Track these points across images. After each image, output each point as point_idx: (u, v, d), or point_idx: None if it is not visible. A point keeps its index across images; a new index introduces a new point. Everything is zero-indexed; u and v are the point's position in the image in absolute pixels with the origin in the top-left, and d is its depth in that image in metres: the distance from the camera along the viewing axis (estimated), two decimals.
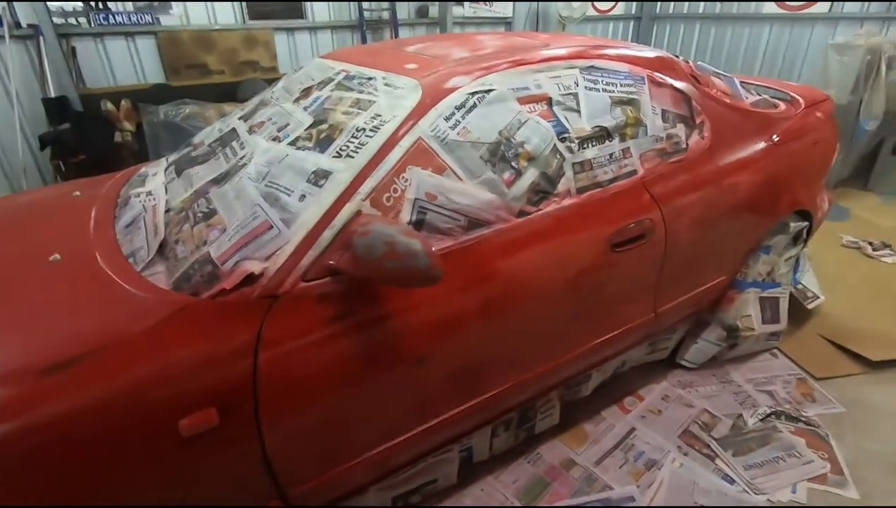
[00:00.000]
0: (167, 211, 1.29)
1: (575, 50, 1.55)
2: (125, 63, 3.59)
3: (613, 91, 1.52)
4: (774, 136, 1.85)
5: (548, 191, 1.36)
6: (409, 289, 1.12)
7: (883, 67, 3.35)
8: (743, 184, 1.75)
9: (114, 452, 0.88)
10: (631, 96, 1.55)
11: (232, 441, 0.97)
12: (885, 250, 2.89)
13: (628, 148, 1.52)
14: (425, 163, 1.21)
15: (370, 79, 1.41)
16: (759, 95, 2.10)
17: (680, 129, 1.64)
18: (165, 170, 1.56)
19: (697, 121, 1.69)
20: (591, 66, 1.52)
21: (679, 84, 1.68)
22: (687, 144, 1.65)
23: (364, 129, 1.22)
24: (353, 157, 1.17)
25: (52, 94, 3.23)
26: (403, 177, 1.18)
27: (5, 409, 0.83)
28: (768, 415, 1.80)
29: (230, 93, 3.77)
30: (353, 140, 1.21)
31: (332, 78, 1.51)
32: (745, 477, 1.58)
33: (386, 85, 1.36)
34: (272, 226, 1.08)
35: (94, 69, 3.51)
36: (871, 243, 2.95)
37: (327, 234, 1.08)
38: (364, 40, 4.42)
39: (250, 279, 1.03)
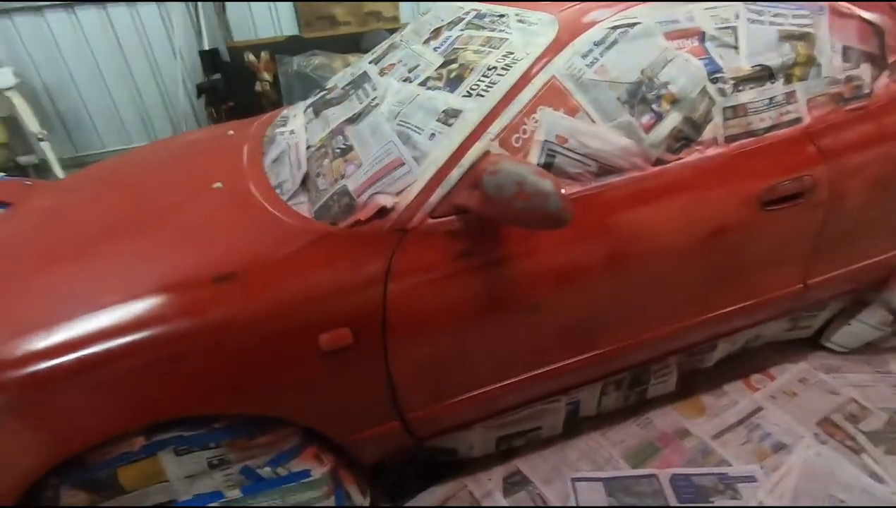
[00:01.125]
0: (308, 147, 1.39)
1: None
2: (266, 16, 3.86)
3: (782, 24, 1.31)
4: None
5: (691, 138, 1.23)
6: (533, 233, 1.10)
7: None
8: None
9: (264, 355, 1.00)
10: (804, 30, 1.32)
11: (362, 360, 1.06)
12: None
13: (794, 91, 1.31)
14: (558, 103, 1.15)
15: (502, 16, 1.36)
16: None
17: (864, 70, 1.37)
18: (304, 111, 1.67)
19: (890, 60, 1.40)
20: None
21: (871, 15, 1.39)
22: (872, 89, 1.38)
23: (496, 68, 1.19)
24: (483, 96, 1.15)
25: (207, 47, 3.60)
26: (534, 118, 1.14)
27: (189, 308, 0.98)
28: None
29: (355, 44, 3.91)
30: (483, 79, 1.18)
31: (461, 17, 1.48)
32: None
33: (519, 21, 1.30)
34: (403, 163, 1.12)
35: (240, 23, 3.83)
36: None
37: (455, 173, 1.09)
38: None
39: (383, 212, 1.08)
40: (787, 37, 1.31)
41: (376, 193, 1.10)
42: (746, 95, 1.27)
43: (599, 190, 1.17)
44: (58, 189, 1.77)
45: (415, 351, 1.10)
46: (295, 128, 1.53)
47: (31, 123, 3.25)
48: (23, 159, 3.60)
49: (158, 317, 0.96)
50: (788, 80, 1.30)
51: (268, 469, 1.09)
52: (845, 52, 1.36)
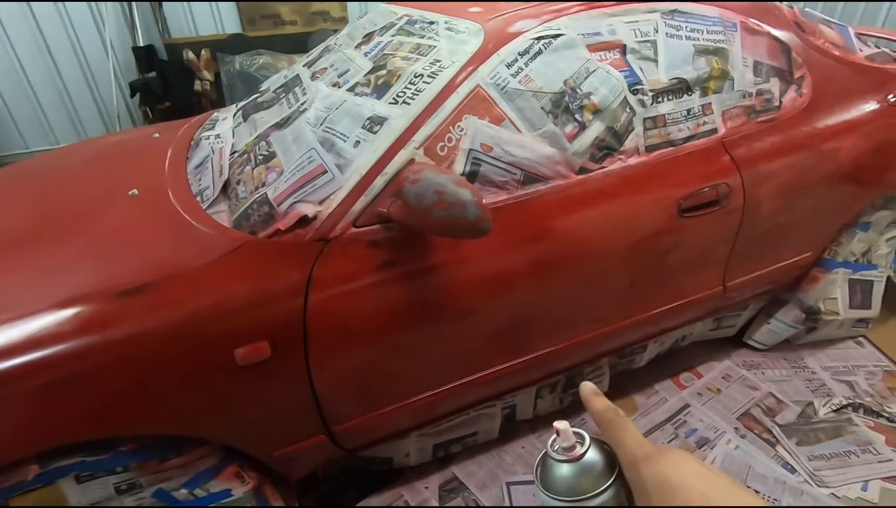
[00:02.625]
0: (233, 153, 1.34)
1: None
2: (206, 13, 3.72)
3: (698, 39, 1.37)
4: (891, 96, 1.60)
5: (613, 148, 1.27)
6: (459, 242, 1.10)
7: None
8: (845, 150, 1.54)
9: (176, 372, 0.95)
10: (718, 45, 1.39)
11: (282, 374, 1.03)
12: None
13: (709, 103, 1.38)
14: (483, 112, 1.16)
15: (432, 23, 1.36)
16: (878, 48, 1.82)
17: (774, 84, 1.46)
18: (234, 114, 1.61)
19: (796, 75, 1.49)
20: (675, 10, 1.38)
21: (779, 32, 1.48)
22: (780, 102, 1.47)
23: (422, 75, 1.19)
24: (409, 104, 1.15)
25: (141, 44, 3.43)
26: (459, 127, 1.14)
27: (89, 323, 0.92)
28: (843, 406, 1.65)
29: (302, 44, 3.83)
30: (410, 86, 1.18)
31: (394, 23, 1.47)
32: (808, 468, 1.47)
33: (448, 29, 1.30)
34: (326, 171, 1.10)
35: (178, 19, 3.67)
36: None
37: (379, 181, 1.08)
38: None
39: (304, 221, 1.06)
40: (703, 51, 1.37)
41: (297, 202, 1.07)
42: (665, 107, 1.32)
43: (525, 198, 1.19)
44: None
45: (339, 363, 1.08)
46: (221, 133, 1.47)
47: None
48: None
49: (54, 336, 0.90)
50: (704, 92, 1.37)
51: (184, 491, 1.04)
52: (756, 66, 1.44)
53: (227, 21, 3.79)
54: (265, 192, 1.11)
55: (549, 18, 1.26)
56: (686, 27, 1.37)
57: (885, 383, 1.75)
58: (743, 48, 1.42)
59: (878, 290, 1.86)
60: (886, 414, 1.63)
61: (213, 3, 3.68)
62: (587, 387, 0.45)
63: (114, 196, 1.28)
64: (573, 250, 1.25)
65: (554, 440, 0.40)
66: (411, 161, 1.09)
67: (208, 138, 1.46)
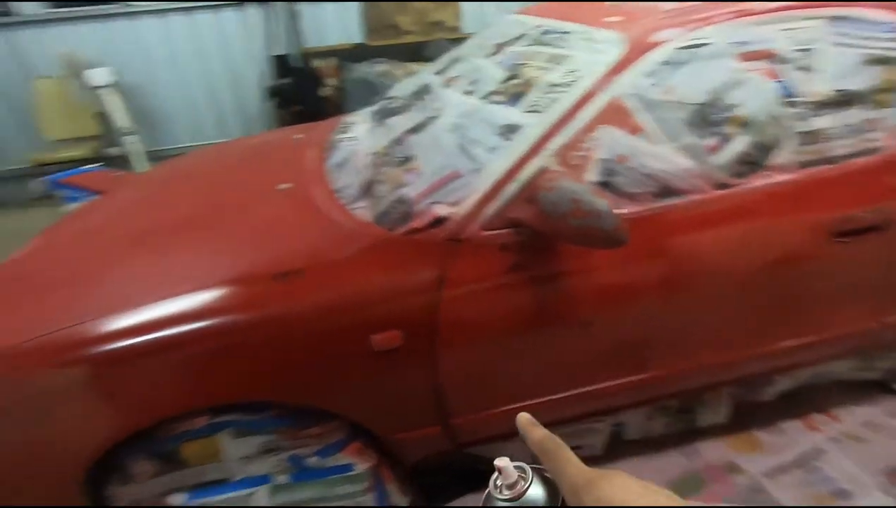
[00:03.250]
0: (370, 154, 1.45)
1: None
2: (335, 24, 4.03)
3: (869, 47, 1.24)
4: None
5: (759, 163, 1.19)
6: (586, 251, 1.10)
7: None
8: None
9: (319, 350, 1.05)
10: (894, 54, 1.25)
11: (410, 363, 1.09)
12: None
13: (877, 119, 1.24)
14: (620, 122, 1.15)
15: (567, 33, 1.37)
16: None
17: None
18: (368, 119, 1.74)
19: None
20: (842, 16, 1.26)
21: None
22: None
23: (558, 84, 1.20)
24: (543, 112, 1.16)
25: (279, 53, 3.80)
26: (594, 136, 1.14)
27: (250, 301, 1.05)
28: None
29: (418, 53, 4.01)
30: (545, 95, 1.20)
31: (526, 33, 1.50)
32: None
33: (584, 39, 1.30)
34: (462, 175, 1.15)
35: (311, 29, 4.01)
36: None
37: (512, 187, 1.11)
38: None
39: (439, 221, 1.11)
40: (874, 61, 1.24)
41: (434, 203, 1.13)
42: (823, 121, 1.21)
43: (658, 211, 1.16)
44: (141, 181, 1.94)
45: (463, 358, 1.13)
46: (358, 135, 1.60)
47: (121, 119, 3.54)
48: (110, 151, 3.92)
49: (223, 308, 1.03)
50: (872, 106, 1.24)
51: (315, 459, 1.14)
52: None
53: (353, 31, 4.07)
54: (403, 192, 1.19)
55: (696, 27, 1.21)
56: (855, 34, 1.24)
57: None
58: None
59: None
60: None
61: (343, 10, 3.97)
62: (524, 418, 0.44)
63: (265, 190, 1.44)
64: (705, 269, 1.19)
65: (496, 477, 0.39)
66: (544, 169, 1.11)
67: (345, 140, 1.59)
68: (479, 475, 1.41)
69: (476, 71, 1.49)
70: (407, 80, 1.94)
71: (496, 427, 1.30)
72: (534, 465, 0.41)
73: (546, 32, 1.43)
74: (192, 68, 3.93)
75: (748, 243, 1.20)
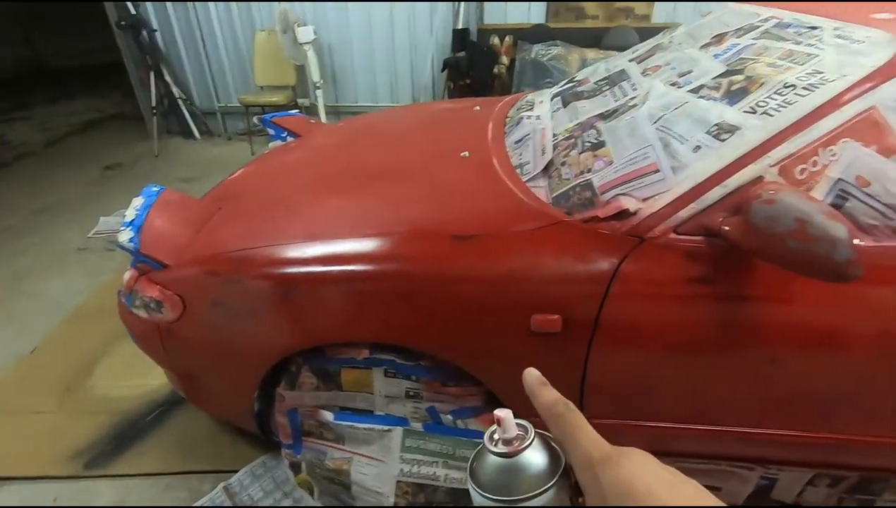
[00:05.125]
0: (554, 135, 1.43)
1: None
2: (518, 2, 4.01)
3: None
4: None
5: None
6: (789, 279, 0.96)
7: None
8: None
9: (480, 316, 1.08)
10: None
11: (565, 351, 1.07)
12: None
13: None
14: (870, 138, 0.97)
15: (814, 28, 1.18)
16: None
17: None
18: (551, 99, 1.70)
19: None
20: None
21: None
22: None
23: (794, 86, 1.05)
24: (771, 116, 1.03)
25: (461, 27, 3.91)
26: (832, 151, 0.98)
27: (424, 257, 1.11)
28: None
29: (597, 39, 3.83)
30: (776, 96, 1.05)
31: (756, 25, 1.33)
32: None
33: (838, 37, 1.11)
34: (658, 170, 1.07)
35: (495, 6, 4.04)
36: None
37: (716, 192, 1.00)
38: None
39: (623, 214, 1.06)
40: None
41: (621, 194, 1.08)
42: None
43: (893, 251, 0.96)
44: (334, 131, 2.14)
45: (617, 361, 1.08)
46: (541, 114, 1.58)
47: (315, 73, 3.96)
48: (300, 101, 4.42)
49: (403, 256, 1.10)
50: None
51: (449, 416, 1.19)
52: None
53: (535, 11, 4.02)
54: (590, 178, 1.15)
55: None
56: None
57: None
58: None
59: None
60: None
61: None
62: (532, 375, 0.39)
63: (447, 154, 1.49)
64: None
65: (493, 430, 0.36)
66: (759, 178, 0.99)
67: (529, 118, 1.58)
68: None
69: (686, 61, 1.36)
70: (597, 64, 1.86)
71: (630, 440, 1.23)
72: (540, 431, 0.37)
73: (784, 26, 1.26)
74: (381, 35, 4.22)
75: None
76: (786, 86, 1.06)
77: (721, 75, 1.21)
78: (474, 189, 1.30)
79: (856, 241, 0.84)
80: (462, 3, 3.90)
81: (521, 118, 1.62)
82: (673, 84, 1.30)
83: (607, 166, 1.15)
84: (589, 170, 1.17)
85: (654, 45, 1.64)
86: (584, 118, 1.40)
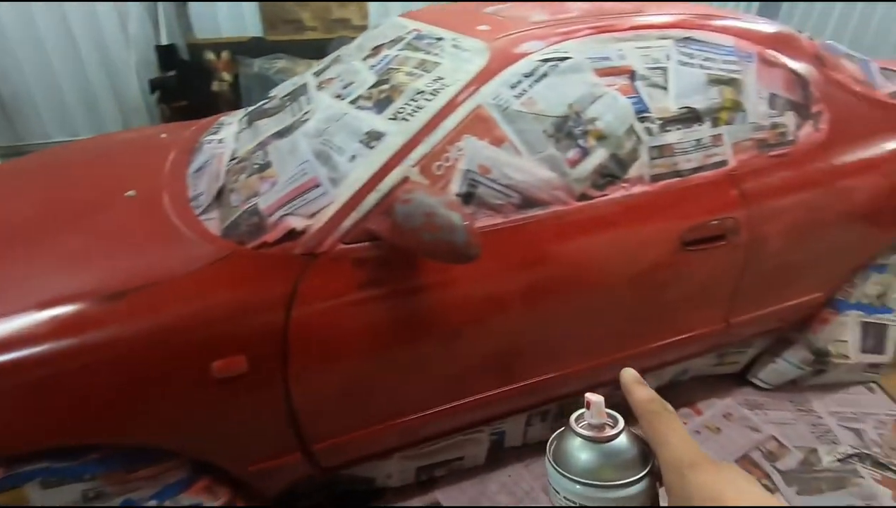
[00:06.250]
0: (232, 159, 1.34)
1: (672, 19, 1.37)
2: (229, 15, 3.77)
3: (711, 68, 1.34)
4: None
5: (616, 176, 1.24)
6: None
7: None
8: (862, 189, 1.49)
9: (150, 381, 0.94)
10: (732, 75, 1.35)
11: (259, 389, 1.00)
12: None
13: (720, 134, 1.33)
14: (483, 133, 1.14)
15: (439, 39, 1.34)
16: None
17: (789, 118, 1.41)
18: (241, 119, 1.61)
19: (813, 109, 1.44)
20: (689, 38, 1.34)
21: (797, 65, 1.44)
22: (796, 136, 1.42)
23: (424, 92, 1.17)
24: (408, 121, 1.13)
25: (164, 42, 3.49)
26: (458, 146, 1.12)
27: (68, 326, 0.91)
28: (850, 456, 1.58)
29: (321, 50, 3.86)
30: (411, 102, 1.16)
31: (402, 37, 1.46)
32: None
33: (454, 47, 1.28)
34: (319, 184, 1.08)
35: (202, 20, 3.72)
36: None
37: (372, 198, 1.06)
38: None
39: (293, 234, 1.04)
40: (716, 81, 1.33)
41: (287, 214, 1.06)
42: (673, 136, 1.28)
43: (521, 222, 1.16)
44: None
45: (319, 380, 1.06)
46: (224, 138, 1.47)
47: None
48: None
49: (38, 336, 0.89)
50: (715, 123, 1.33)
51: (153, 503, 1.02)
52: (771, 99, 1.40)
53: (250, 24, 3.83)
54: (257, 202, 1.10)
55: (557, 41, 1.24)
56: (699, 56, 1.33)
57: (894, 433, 1.67)
58: (758, 79, 1.38)
59: (893, 335, 1.78)
60: (895, 468, 1.55)
61: (236, 2, 3.71)
62: (629, 374, 0.41)
63: (112, 196, 1.28)
64: (568, 278, 1.22)
65: (581, 414, 0.36)
66: (405, 179, 1.07)
67: (211, 142, 1.46)
68: (359, 495, 1.35)
69: (351, 73, 1.42)
70: (292, 79, 1.83)
71: (366, 448, 1.25)
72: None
73: (420, 37, 1.40)
74: (60, 54, 3.48)
75: (608, 253, 1.24)
76: (418, 93, 1.18)
77: (374, 85, 1.29)
78: (138, 233, 1.13)
79: (480, 223, 0.96)
80: (162, 14, 3.48)
81: (204, 143, 1.49)
82: (338, 96, 1.34)
83: (272, 187, 1.11)
84: (256, 194, 1.12)
85: (334, 58, 1.68)
86: (263, 138, 1.34)
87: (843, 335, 1.71)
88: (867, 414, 1.74)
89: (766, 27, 1.48)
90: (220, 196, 1.20)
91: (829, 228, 1.50)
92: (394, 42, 1.46)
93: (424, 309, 1.10)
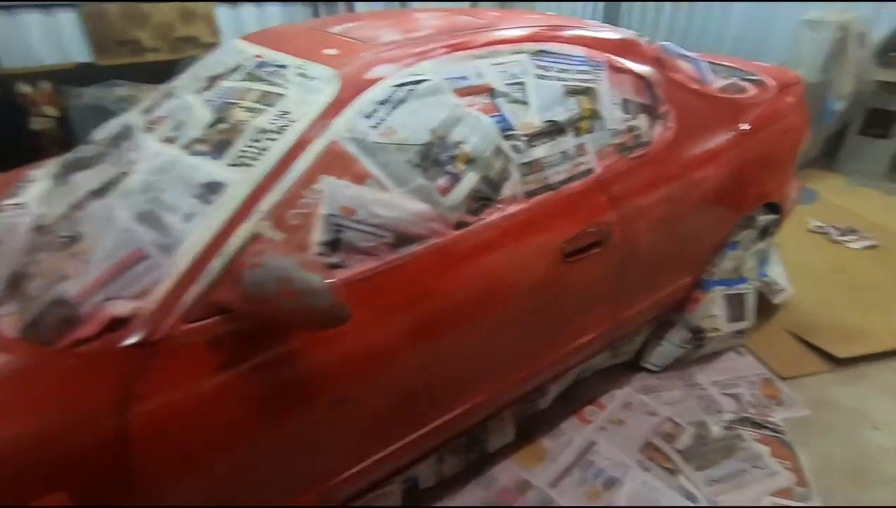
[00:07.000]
0: (38, 228, 1.08)
1: (524, 32, 1.36)
2: (44, 40, 3.22)
3: (567, 79, 1.35)
4: (743, 125, 1.71)
5: (490, 198, 1.19)
6: None
7: (852, 45, 3.25)
8: (709, 178, 1.62)
9: None
10: (587, 84, 1.38)
11: None
12: (850, 235, 2.83)
13: (583, 144, 1.36)
14: (342, 171, 1.02)
15: (283, 67, 1.20)
16: (728, 79, 1.95)
17: (642, 120, 1.48)
18: (52, 174, 1.33)
19: (661, 110, 1.53)
20: (542, 51, 1.34)
21: (641, 69, 1.51)
22: (650, 137, 1.49)
23: (267, 131, 1.03)
24: (251, 166, 0.98)
25: None
26: (314, 189, 0.99)
27: None
28: (732, 422, 1.72)
29: (169, 74, 3.45)
30: (253, 144, 1.01)
31: (242, 64, 1.29)
32: (708, 494, 1.49)
33: (299, 75, 1.15)
34: (147, 256, 0.89)
35: (9, 47, 3.13)
36: (836, 228, 2.89)
37: (216, 264, 0.89)
38: (316, 15, 4.10)
39: (117, 323, 0.84)
40: (573, 91, 1.35)
41: (107, 299, 0.86)
42: (540, 151, 1.27)
43: (398, 262, 1.07)
44: None
45: (183, 488, 0.88)
46: (27, 200, 1.19)
47: None
48: None
49: None
50: (577, 133, 1.35)
51: None
52: (624, 104, 1.45)
53: (75, 49, 3.31)
54: (65, 289, 0.88)
55: (411, 63, 1.16)
56: (554, 67, 1.34)
57: (763, 391, 1.86)
58: (611, 86, 1.42)
59: (750, 301, 1.98)
60: (769, 425, 1.71)
61: (53, 25, 3.18)
62: None
63: None
64: (457, 311, 1.15)
65: None
66: (255, 236, 0.92)
67: (6, 209, 1.18)
68: None
69: (184, 110, 1.22)
70: (117, 119, 1.56)
71: None
72: None
73: (262, 65, 1.24)
74: None
75: (494, 277, 1.20)
76: (260, 132, 1.03)
77: (211, 125, 1.11)
78: None
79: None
80: None
81: (2, 209, 1.20)
82: (168, 140, 1.14)
83: (84, 266, 0.90)
84: (64, 278, 0.90)
85: (164, 92, 1.45)
86: (77, 199, 1.10)
87: (713, 310, 1.87)
88: (741, 378, 1.92)
89: (611, 34, 1.53)
90: (15, 284, 0.95)
91: (688, 217, 1.60)
92: (233, 71, 1.28)
93: (300, 376, 0.96)
